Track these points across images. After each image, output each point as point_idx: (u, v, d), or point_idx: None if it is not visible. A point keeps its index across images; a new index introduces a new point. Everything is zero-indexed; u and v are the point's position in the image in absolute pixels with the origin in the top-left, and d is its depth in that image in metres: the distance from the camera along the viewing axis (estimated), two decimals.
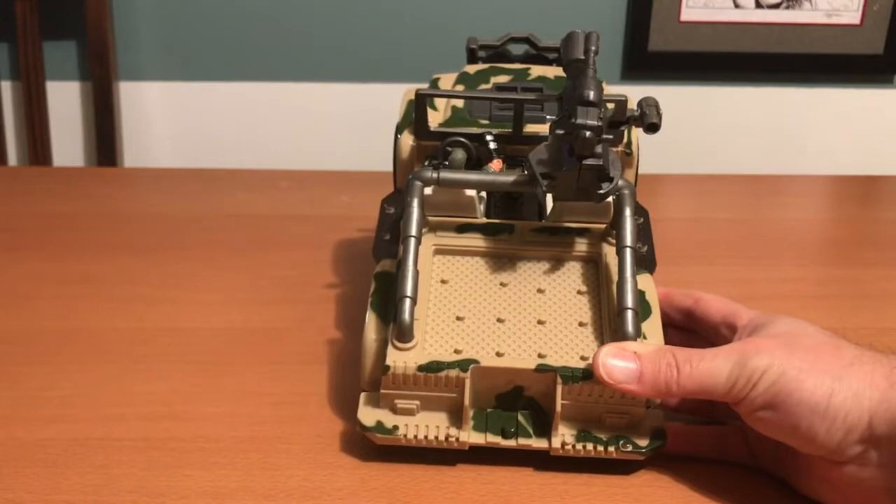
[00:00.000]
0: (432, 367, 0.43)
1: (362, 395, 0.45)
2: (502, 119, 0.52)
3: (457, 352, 0.44)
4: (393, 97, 1.36)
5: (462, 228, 0.50)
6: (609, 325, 0.45)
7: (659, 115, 0.45)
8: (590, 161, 0.44)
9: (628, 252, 0.46)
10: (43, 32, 1.24)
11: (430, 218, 0.50)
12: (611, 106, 0.46)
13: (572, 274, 0.49)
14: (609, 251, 0.49)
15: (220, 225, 0.77)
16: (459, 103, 0.54)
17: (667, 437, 0.44)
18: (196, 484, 0.43)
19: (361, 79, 1.28)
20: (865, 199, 0.92)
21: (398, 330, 0.44)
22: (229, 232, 0.76)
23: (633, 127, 0.51)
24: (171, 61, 1.28)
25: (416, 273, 0.45)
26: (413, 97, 0.52)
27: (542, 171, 0.45)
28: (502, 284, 0.48)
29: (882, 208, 0.90)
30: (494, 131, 0.52)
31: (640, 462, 0.45)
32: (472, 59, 0.62)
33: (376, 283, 0.48)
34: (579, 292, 0.48)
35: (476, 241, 0.49)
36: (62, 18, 1.26)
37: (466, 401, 0.43)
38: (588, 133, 0.42)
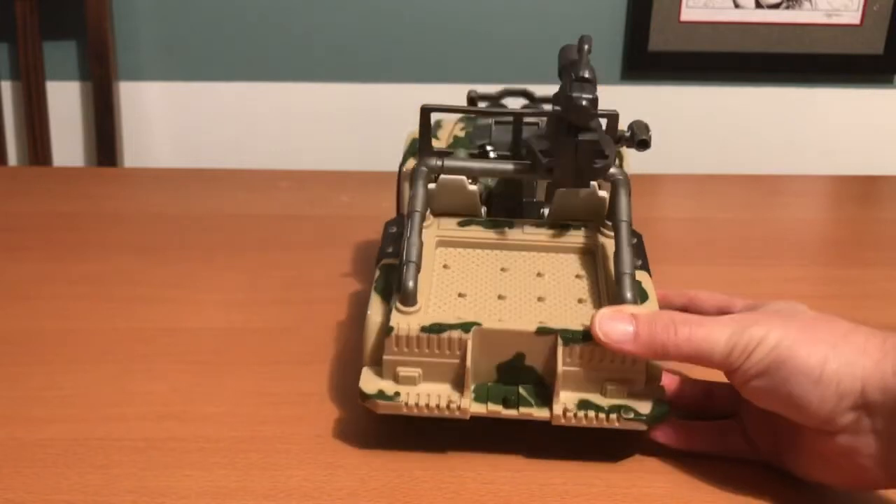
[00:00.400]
0: (435, 329, 0.44)
1: (364, 370, 0.46)
2: (503, 145, 0.55)
3: (459, 318, 0.45)
4: (393, 97, 1.37)
5: (464, 223, 0.51)
6: (607, 301, 0.46)
7: (648, 134, 0.48)
8: (586, 136, 0.46)
9: (624, 225, 0.48)
10: (43, 32, 1.24)
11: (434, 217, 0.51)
12: (602, 121, 0.48)
13: (570, 262, 0.50)
14: (605, 243, 0.50)
15: (220, 225, 0.77)
16: (461, 132, 0.57)
17: (669, 408, 0.44)
18: (196, 484, 0.43)
19: (361, 79, 1.28)
20: (865, 199, 0.92)
21: (402, 294, 0.45)
22: (229, 232, 0.76)
23: (625, 147, 0.53)
24: (171, 61, 1.28)
25: (421, 244, 0.47)
26: (416, 136, 0.55)
27: (541, 148, 0.47)
28: (503, 269, 0.49)
29: (882, 208, 0.90)
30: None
31: (638, 455, 0.45)
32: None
33: (380, 273, 0.50)
34: (577, 276, 0.49)
35: (477, 233, 0.51)
36: (62, 18, 1.26)
37: (468, 362, 0.44)
38: (584, 102, 0.44)
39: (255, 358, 0.55)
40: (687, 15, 1.18)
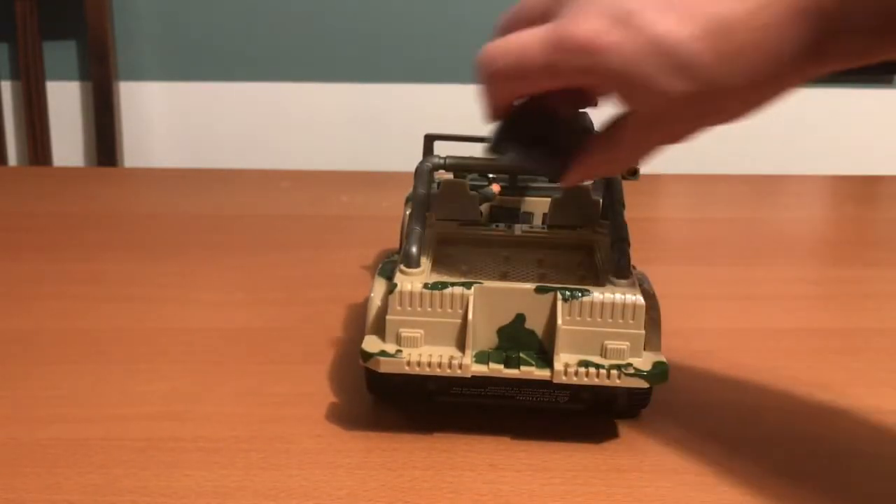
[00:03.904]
0: (438, 286, 0.45)
1: (367, 336, 0.46)
2: (500, 181, 0.58)
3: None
4: (393, 97, 1.37)
5: (464, 224, 0.53)
6: (606, 279, 0.47)
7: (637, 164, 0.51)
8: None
9: (618, 204, 0.49)
10: (43, 32, 1.24)
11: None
12: None
13: (569, 253, 0.51)
14: (601, 241, 0.51)
15: (220, 225, 0.77)
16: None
17: (668, 367, 0.44)
18: (196, 484, 0.43)
19: (361, 79, 1.28)
20: (865, 199, 0.92)
21: (405, 257, 0.46)
22: (229, 232, 0.76)
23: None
24: (171, 61, 1.28)
25: (425, 217, 0.48)
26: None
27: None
28: (505, 258, 0.50)
29: (882, 208, 0.90)
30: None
31: (639, 456, 0.45)
32: None
33: (383, 264, 0.50)
34: (577, 264, 0.50)
35: (478, 232, 0.52)
36: (62, 18, 1.26)
37: (470, 315, 0.44)
38: None
39: (255, 358, 0.55)
40: None
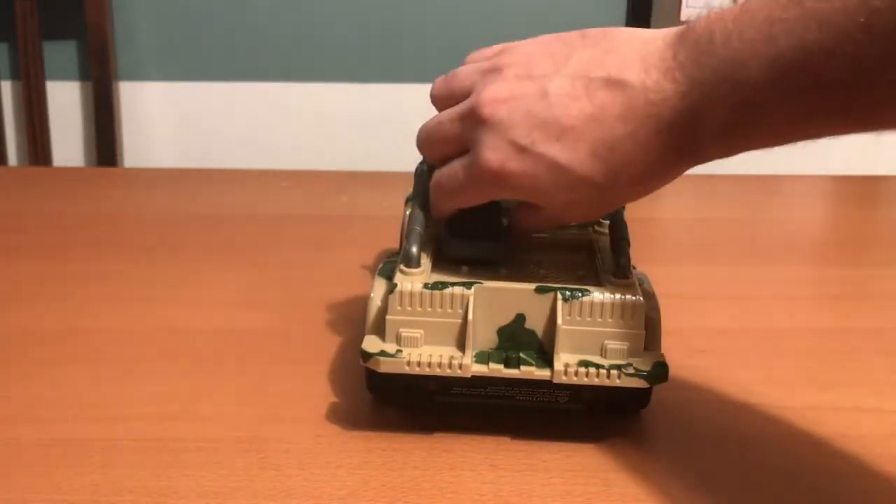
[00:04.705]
0: (438, 286, 0.45)
1: (367, 336, 0.46)
2: None
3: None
4: (393, 97, 1.37)
5: None
6: (605, 277, 0.47)
7: None
8: None
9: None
10: (43, 32, 1.24)
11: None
12: None
13: (569, 253, 0.51)
14: (600, 240, 0.51)
15: (220, 225, 0.77)
16: None
17: (668, 367, 0.44)
18: (196, 484, 0.43)
19: (361, 79, 1.28)
20: (865, 199, 0.92)
21: (405, 258, 0.46)
22: (229, 232, 0.76)
23: None
24: (171, 61, 1.29)
25: (424, 216, 0.48)
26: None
27: None
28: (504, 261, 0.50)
29: (882, 208, 0.90)
30: None
31: (639, 456, 0.45)
32: None
33: (383, 264, 0.50)
34: (575, 263, 0.50)
35: None
36: (62, 18, 1.26)
37: (470, 315, 0.44)
38: None
39: (255, 358, 0.55)
40: (687, 14, 1.18)
